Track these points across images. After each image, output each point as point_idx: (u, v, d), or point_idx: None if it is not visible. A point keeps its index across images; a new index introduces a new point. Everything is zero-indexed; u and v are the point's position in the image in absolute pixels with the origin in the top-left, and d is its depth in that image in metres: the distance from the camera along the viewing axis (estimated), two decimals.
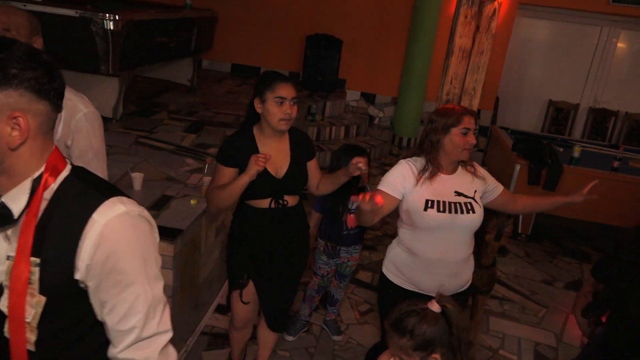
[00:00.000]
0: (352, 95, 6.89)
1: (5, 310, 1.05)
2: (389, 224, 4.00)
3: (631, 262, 1.82)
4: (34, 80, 0.99)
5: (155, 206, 2.80)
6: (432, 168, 2.06)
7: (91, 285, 1.06)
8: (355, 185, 2.78)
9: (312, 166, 2.35)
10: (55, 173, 1.07)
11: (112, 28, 3.59)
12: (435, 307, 1.41)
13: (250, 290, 2.33)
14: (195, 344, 2.94)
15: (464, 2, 2.60)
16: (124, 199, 1.09)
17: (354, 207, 2.85)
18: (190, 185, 3.13)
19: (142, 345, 1.11)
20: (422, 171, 2.07)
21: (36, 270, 1.03)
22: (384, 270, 2.26)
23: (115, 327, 1.09)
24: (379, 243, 4.25)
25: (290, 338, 3.07)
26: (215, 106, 5.13)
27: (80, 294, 1.08)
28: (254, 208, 2.23)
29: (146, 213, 1.13)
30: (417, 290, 2.16)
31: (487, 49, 2.66)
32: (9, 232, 1.06)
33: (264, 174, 2.14)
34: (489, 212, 2.75)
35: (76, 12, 3.58)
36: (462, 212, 2.04)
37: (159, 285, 1.14)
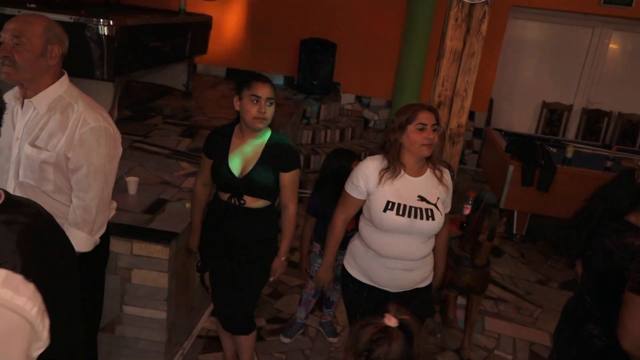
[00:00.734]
0: (347, 99, 6.92)
1: None
2: None
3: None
4: None
5: (150, 210, 2.81)
6: (394, 168, 2.06)
7: None
8: None
9: (283, 179, 2.29)
10: None
11: (106, 33, 3.60)
12: (392, 321, 1.35)
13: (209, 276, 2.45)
14: (191, 347, 2.95)
15: (454, 5, 2.63)
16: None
17: None
18: (185, 189, 3.14)
19: None
20: (384, 170, 2.07)
21: None
22: (344, 262, 2.29)
23: None
24: None
25: (286, 340, 3.08)
26: (210, 110, 5.15)
27: None
28: (219, 198, 2.34)
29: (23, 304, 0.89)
30: (371, 284, 2.18)
31: (478, 51, 2.69)
32: None
33: (226, 170, 2.25)
34: (481, 212, 2.78)
35: (70, 18, 3.59)
36: (421, 218, 2.04)
37: None
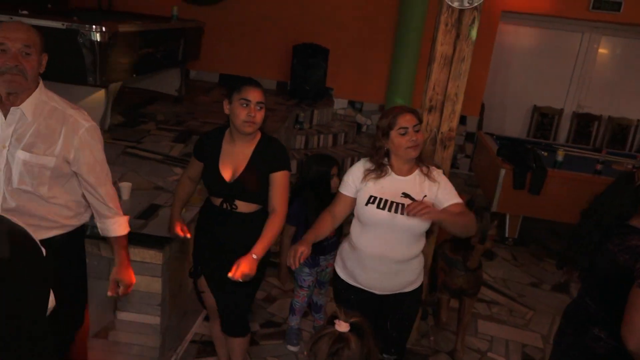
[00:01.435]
0: (340, 104, 6.95)
1: None
2: None
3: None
4: None
5: (144, 215, 2.81)
6: (380, 170, 2.12)
7: None
8: (330, 194, 2.83)
9: (273, 179, 2.24)
10: None
11: (98, 39, 3.61)
12: (343, 326, 1.37)
13: (204, 280, 2.43)
14: (185, 352, 2.95)
15: (444, 11, 2.66)
16: None
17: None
18: None
19: None
20: (370, 170, 2.14)
21: None
22: (335, 264, 2.34)
23: None
24: None
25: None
26: (203, 116, 5.16)
27: None
28: (210, 203, 2.35)
29: None
30: (358, 286, 2.21)
31: (468, 55, 2.71)
32: None
33: (216, 175, 2.25)
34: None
35: (63, 24, 3.60)
36: (402, 213, 2.06)
37: None
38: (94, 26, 3.60)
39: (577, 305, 1.93)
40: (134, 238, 2.56)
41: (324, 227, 2.23)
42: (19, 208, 1.87)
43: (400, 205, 2.07)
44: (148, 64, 4.65)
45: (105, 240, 2.18)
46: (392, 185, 2.12)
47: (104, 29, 3.62)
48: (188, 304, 3.02)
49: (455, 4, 2.64)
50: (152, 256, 2.54)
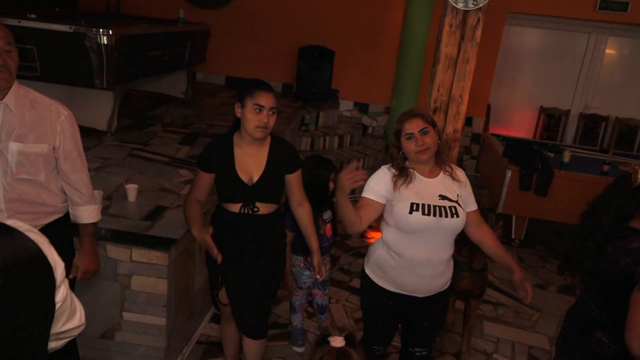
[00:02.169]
0: (346, 105, 6.96)
1: None
2: None
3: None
4: None
5: (150, 216, 2.84)
6: (405, 174, 2.11)
7: None
8: (327, 197, 2.82)
9: (291, 180, 2.33)
10: None
11: (105, 43, 3.64)
12: (338, 341, 1.40)
13: (224, 291, 2.38)
14: (191, 353, 2.96)
15: (449, 12, 2.66)
16: None
17: (328, 218, 2.89)
18: (183, 195, 3.16)
19: None
20: (396, 176, 2.12)
21: None
22: (367, 271, 2.29)
23: None
24: None
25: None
26: (210, 118, 5.19)
27: None
28: (226, 210, 2.29)
29: None
30: (399, 292, 2.20)
31: (472, 57, 2.71)
32: None
33: (235, 180, 2.21)
34: None
35: (70, 28, 3.64)
36: (446, 216, 2.07)
37: None
38: (100, 30, 3.63)
39: (579, 308, 1.92)
40: (140, 239, 2.60)
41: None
42: (21, 197, 1.94)
43: (442, 208, 2.07)
44: (154, 67, 4.68)
45: (108, 240, 2.20)
46: (426, 188, 2.11)
47: (110, 32, 3.66)
48: (194, 305, 3.03)
49: (460, 5, 2.64)
50: (158, 257, 2.56)
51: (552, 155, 5.00)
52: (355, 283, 3.84)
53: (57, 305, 1.10)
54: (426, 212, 2.05)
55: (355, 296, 3.69)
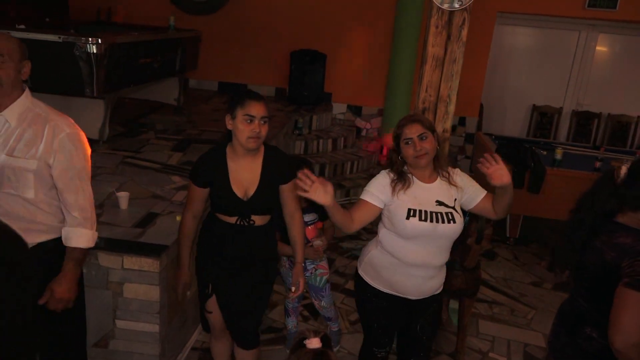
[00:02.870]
0: (339, 108, 6.97)
1: None
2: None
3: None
4: None
5: (141, 224, 2.83)
6: (404, 179, 2.12)
7: None
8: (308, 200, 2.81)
9: (285, 191, 2.29)
10: None
11: (95, 52, 3.65)
12: (315, 342, 1.43)
13: (214, 300, 2.35)
14: (185, 359, 2.95)
15: (434, 13, 2.68)
16: None
17: (311, 221, 2.88)
18: (175, 202, 3.16)
19: None
20: (394, 181, 2.13)
21: None
22: (361, 272, 2.29)
23: None
24: None
25: None
26: (202, 124, 5.19)
27: None
28: (220, 221, 2.26)
29: None
30: (392, 293, 2.20)
31: (460, 57, 2.73)
32: None
33: (230, 195, 2.18)
34: (469, 216, 2.81)
35: (59, 37, 3.65)
36: (443, 222, 2.08)
37: None
38: (90, 39, 3.64)
39: (570, 304, 1.93)
40: (131, 247, 2.59)
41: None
42: (7, 212, 1.91)
43: (439, 215, 2.08)
44: (145, 75, 4.69)
45: (99, 248, 2.18)
46: (423, 194, 2.12)
47: (100, 41, 3.66)
48: (188, 311, 3.03)
49: (445, 6, 2.66)
50: (150, 264, 2.56)
51: (544, 152, 5.01)
52: (351, 285, 3.84)
53: None
54: (423, 218, 2.07)
55: (350, 298, 3.69)
